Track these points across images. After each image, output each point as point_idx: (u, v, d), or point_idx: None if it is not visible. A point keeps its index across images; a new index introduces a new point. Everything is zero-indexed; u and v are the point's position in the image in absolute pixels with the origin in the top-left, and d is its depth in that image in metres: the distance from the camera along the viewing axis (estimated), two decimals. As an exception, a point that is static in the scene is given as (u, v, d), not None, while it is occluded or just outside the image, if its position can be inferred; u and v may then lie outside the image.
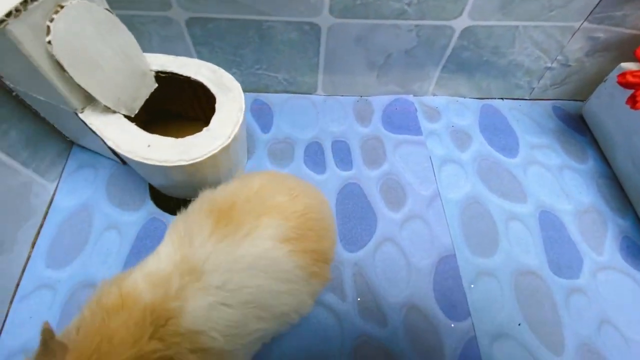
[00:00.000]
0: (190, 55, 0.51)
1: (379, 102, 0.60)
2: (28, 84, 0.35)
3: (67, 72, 0.31)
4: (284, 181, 0.34)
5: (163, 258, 0.27)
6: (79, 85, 0.33)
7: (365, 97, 0.60)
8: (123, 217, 0.46)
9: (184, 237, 0.28)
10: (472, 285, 0.43)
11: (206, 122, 0.38)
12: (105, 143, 0.37)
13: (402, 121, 0.57)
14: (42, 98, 0.36)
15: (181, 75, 0.41)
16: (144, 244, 0.44)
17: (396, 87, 0.59)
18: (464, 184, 0.51)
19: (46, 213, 0.46)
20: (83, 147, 0.51)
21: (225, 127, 0.38)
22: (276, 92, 0.59)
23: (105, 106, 0.36)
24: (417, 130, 0.56)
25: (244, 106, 0.40)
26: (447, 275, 0.43)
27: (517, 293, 0.43)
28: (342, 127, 0.56)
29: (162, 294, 0.24)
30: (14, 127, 0.40)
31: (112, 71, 0.35)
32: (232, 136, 0.37)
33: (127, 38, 0.36)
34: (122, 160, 0.49)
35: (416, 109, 0.59)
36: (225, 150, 0.37)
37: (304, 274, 0.30)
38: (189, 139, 0.37)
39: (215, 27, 0.48)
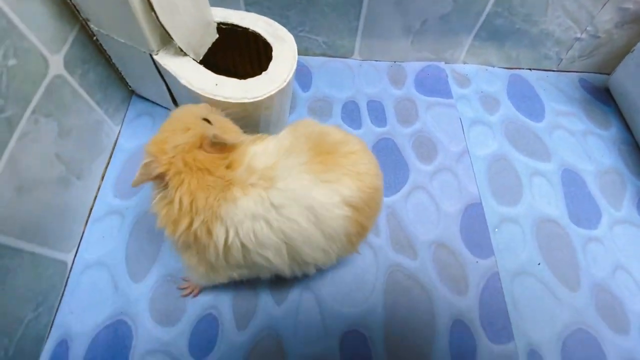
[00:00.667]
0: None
1: (412, 67, 0.63)
2: (114, 25, 0.40)
3: (155, 12, 0.35)
4: (371, 159, 0.35)
5: (265, 151, 0.31)
6: (159, 26, 0.37)
7: (399, 63, 0.64)
8: (180, 157, 0.51)
9: (287, 149, 0.31)
10: (496, 229, 0.47)
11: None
12: (168, 86, 0.41)
13: (433, 85, 0.61)
14: (122, 40, 0.41)
15: (240, 27, 0.46)
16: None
17: (429, 53, 0.63)
18: (492, 143, 0.54)
19: (112, 152, 0.51)
20: (141, 98, 0.56)
21: (281, 72, 0.42)
22: (315, 55, 0.63)
23: (177, 49, 0.41)
24: (448, 94, 0.60)
25: (296, 54, 0.44)
26: (473, 220, 0.47)
27: (537, 238, 0.46)
28: (376, 89, 0.60)
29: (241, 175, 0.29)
30: (92, 69, 0.45)
31: (187, 15, 0.39)
32: (287, 80, 0.42)
33: None
34: (176, 105, 0.54)
35: (447, 75, 0.63)
36: (281, 92, 0.42)
37: (345, 241, 0.32)
38: (250, 80, 0.41)
39: (267, -13, 0.52)
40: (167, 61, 0.41)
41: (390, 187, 0.49)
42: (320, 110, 0.57)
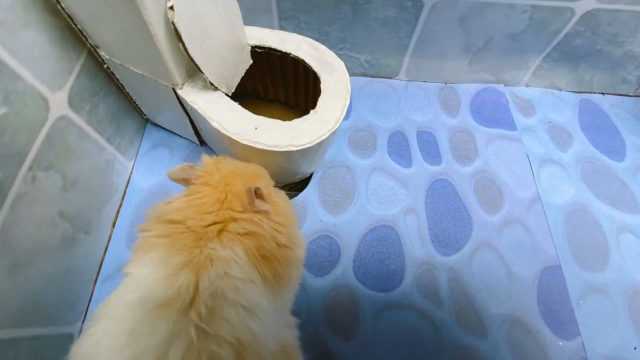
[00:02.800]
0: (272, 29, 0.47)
1: (466, 90, 0.55)
2: (130, 55, 0.32)
3: (183, 41, 0.28)
4: None
5: None
6: (186, 57, 0.30)
7: (451, 84, 0.55)
8: (203, 201, 0.44)
9: None
10: (581, 301, 0.39)
11: (286, 105, 0.34)
12: (192, 122, 0.34)
13: (493, 113, 0.52)
14: (139, 72, 0.34)
15: (279, 52, 0.38)
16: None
17: (487, 74, 0.54)
18: (567, 188, 0.46)
19: (124, 192, 0.44)
20: (157, 126, 0.48)
21: (333, 110, 0.34)
22: (354, 74, 0.55)
23: (206, 82, 0.33)
24: (511, 125, 0.51)
25: (349, 86, 0.36)
26: (552, 288, 0.40)
27: (631, 313, 0.39)
28: (427, 117, 0.52)
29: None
30: (102, 101, 0.38)
31: (219, 42, 0.32)
32: (340, 120, 0.34)
33: (235, 7, 0.32)
34: (201, 141, 0.46)
35: (507, 101, 0.54)
36: (332, 135, 0.34)
37: None
38: (297, 122, 0.33)
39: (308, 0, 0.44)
40: (194, 97, 0.34)
41: (451, 244, 0.42)
42: (363, 142, 0.49)
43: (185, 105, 0.36)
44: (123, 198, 0.44)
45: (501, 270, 0.40)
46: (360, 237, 0.42)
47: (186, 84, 0.34)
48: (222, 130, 0.32)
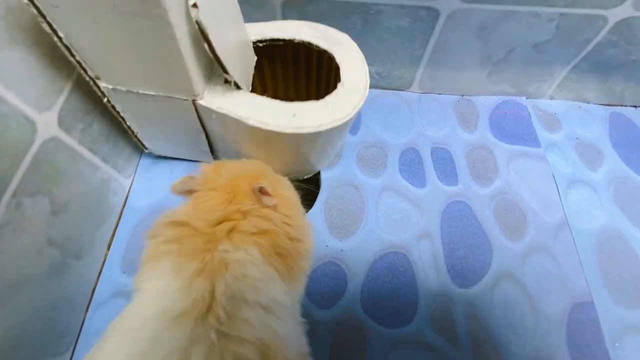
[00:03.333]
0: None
1: (485, 103, 0.51)
2: (142, 73, 0.29)
3: (210, 40, 0.25)
4: None
5: None
6: (205, 61, 0.28)
7: (468, 97, 0.52)
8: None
9: None
10: (617, 343, 0.35)
11: (299, 100, 0.33)
12: (208, 136, 0.32)
13: (514, 128, 0.49)
14: (151, 92, 0.31)
15: (281, 40, 0.35)
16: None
17: (508, 87, 0.50)
18: (599, 212, 0.42)
19: (121, 213, 0.42)
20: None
21: (358, 78, 0.34)
22: (364, 86, 0.52)
23: (231, 84, 0.31)
24: (534, 141, 0.47)
25: (362, 54, 0.35)
26: (583, 326, 0.36)
27: (676, 359, 0.34)
28: (442, 132, 0.48)
29: None
30: (97, 119, 0.36)
31: (232, 38, 0.30)
32: (367, 87, 0.34)
33: (236, 4, 0.30)
34: (215, 157, 0.43)
35: (530, 114, 0.50)
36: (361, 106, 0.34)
37: None
38: (329, 98, 0.33)
39: (315, 9, 0.41)
40: (220, 103, 0.31)
41: (469, 275, 0.38)
42: (373, 159, 0.46)
43: (204, 118, 0.34)
44: (120, 218, 0.42)
45: (525, 305, 0.37)
46: (369, 265, 0.38)
47: (206, 92, 0.32)
48: (263, 126, 0.30)
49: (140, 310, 0.22)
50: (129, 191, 0.43)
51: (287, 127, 0.30)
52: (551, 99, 0.52)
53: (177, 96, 0.31)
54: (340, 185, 0.44)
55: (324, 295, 0.37)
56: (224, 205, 0.26)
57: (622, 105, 0.52)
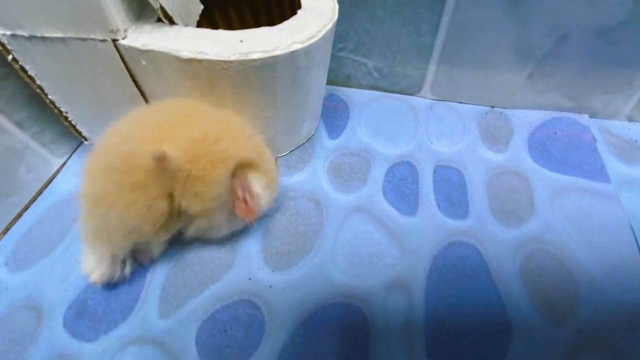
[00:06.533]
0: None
1: (525, 118, 0.37)
2: (47, 6, 0.23)
3: None
4: None
5: None
6: None
7: (501, 109, 0.38)
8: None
9: None
10: None
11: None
12: (139, 86, 0.24)
13: (568, 153, 0.33)
14: (60, 35, 0.24)
15: None
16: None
17: (561, 98, 0.36)
18: None
19: (38, 194, 0.34)
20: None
21: (322, 3, 0.27)
22: (360, 87, 0.41)
23: (160, 13, 0.24)
24: (599, 174, 0.31)
25: None
26: None
27: None
28: (455, 147, 0.35)
29: None
30: (15, 73, 0.29)
31: None
32: (336, 10, 0.27)
33: None
34: None
35: (594, 138, 0.34)
36: (331, 33, 0.27)
37: None
38: (288, 22, 0.26)
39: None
40: (147, 39, 0.24)
41: (461, 367, 0.22)
42: (350, 170, 0.33)
43: (134, 69, 0.26)
44: (34, 200, 0.34)
45: None
46: (303, 317, 0.24)
47: (130, 30, 0.24)
48: (200, 57, 0.23)
49: None
50: (57, 172, 0.36)
51: (232, 55, 0.23)
52: (630, 121, 0.36)
53: (92, 36, 0.24)
54: (297, 196, 0.31)
55: (222, 351, 0.23)
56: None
57: None
